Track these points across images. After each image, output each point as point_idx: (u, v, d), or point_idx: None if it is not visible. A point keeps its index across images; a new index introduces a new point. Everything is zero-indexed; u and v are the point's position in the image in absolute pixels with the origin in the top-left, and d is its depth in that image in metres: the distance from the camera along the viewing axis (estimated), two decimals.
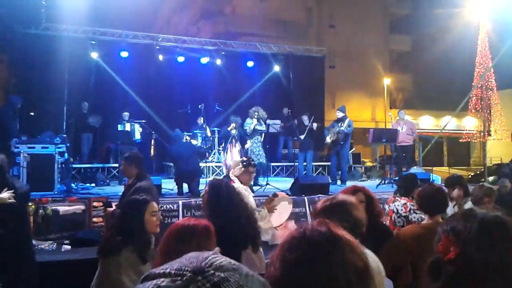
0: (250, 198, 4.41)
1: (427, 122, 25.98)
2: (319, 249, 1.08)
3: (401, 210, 4.70)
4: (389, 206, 4.89)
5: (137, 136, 11.03)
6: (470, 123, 23.57)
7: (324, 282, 1.03)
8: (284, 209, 5.05)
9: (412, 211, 4.62)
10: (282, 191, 8.12)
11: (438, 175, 10.99)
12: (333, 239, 1.11)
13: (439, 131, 21.10)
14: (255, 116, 9.37)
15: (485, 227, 1.27)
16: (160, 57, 12.74)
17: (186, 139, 10.14)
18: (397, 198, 4.94)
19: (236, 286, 0.72)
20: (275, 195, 4.64)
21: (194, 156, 8.36)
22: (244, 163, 4.63)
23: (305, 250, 1.08)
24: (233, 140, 9.37)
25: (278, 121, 10.52)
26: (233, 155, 9.11)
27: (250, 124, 9.35)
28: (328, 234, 1.12)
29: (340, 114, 10.00)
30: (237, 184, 4.42)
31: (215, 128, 11.36)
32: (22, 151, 7.16)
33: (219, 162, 10.68)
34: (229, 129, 9.52)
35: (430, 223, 3.15)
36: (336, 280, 1.03)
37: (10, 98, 9.05)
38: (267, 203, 4.50)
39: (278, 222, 4.88)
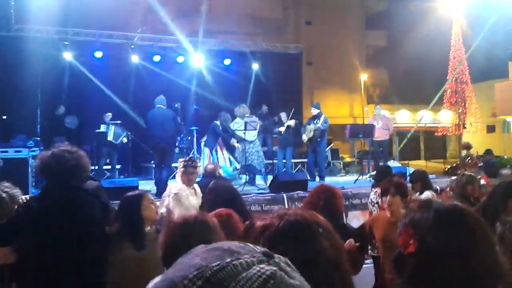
0: (190, 199, 4.45)
1: (404, 117, 26.31)
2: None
3: (374, 198, 4.87)
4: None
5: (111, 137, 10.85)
6: (445, 117, 23.97)
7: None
8: None
9: None
10: (261, 188, 8.19)
11: (414, 169, 11.15)
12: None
13: (415, 125, 21.40)
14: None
15: (440, 217, 1.28)
16: (136, 57, 12.60)
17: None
18: (372, 189, 5.11)
19: None
20: None
21: (170, 123, 8.25)
22: (185, 164, 4.69)
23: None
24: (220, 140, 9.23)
25: (255, 119, 10.49)
26: (224, 156, 9.03)
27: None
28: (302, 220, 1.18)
29: (315, 111, 10.05)
30: (178, 185, 4.49)
31: (193, 128, 11.28)
32: None
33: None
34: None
35: None
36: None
37: None
38: None
39: None
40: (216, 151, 9.05)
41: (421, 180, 5.30)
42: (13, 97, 11.03)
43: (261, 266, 0.68)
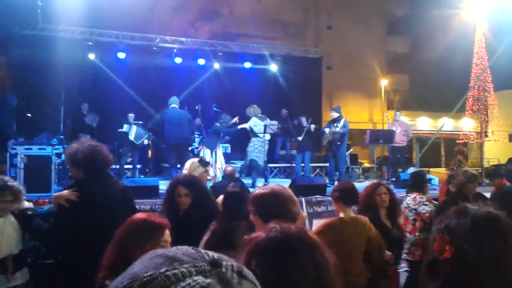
0: None
1: (424, 123, 26.03)
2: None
3: (411, 203, 4.85)
4: (402, 205, 5.00)
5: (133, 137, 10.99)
6: (467, 124, 23.62)
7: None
8: None
9: (421, 203, 4.84)
10: None
11: (435, 176, 11.03)
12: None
13: (436, 132, 21.13)
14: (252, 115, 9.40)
15: (477, 223, 1.28)
16: (157, 58, 12.74)
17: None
18: (408, 195, 5.11)
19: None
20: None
21: (186, 124, 8.42)
22: (202, 163, 4.66)
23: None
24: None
25: (275, 122, 10.50)
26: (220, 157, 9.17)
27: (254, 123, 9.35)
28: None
29: (335, 115, 10.01)
30: None
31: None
32: (19, 153, 7.13)
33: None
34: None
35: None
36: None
37: (5, 98, 8.93)
38: None
39: None
40: (216, 152, 9.17)
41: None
42: (38, 96, 11.23)
43: (197, 278, 0.63)
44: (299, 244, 1.20)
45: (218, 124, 9.40)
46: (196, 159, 4.80)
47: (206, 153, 9.11)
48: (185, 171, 4.60)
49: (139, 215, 2.29)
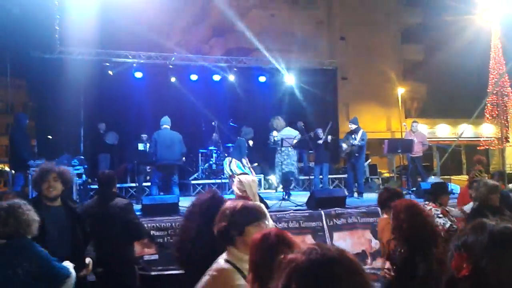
0: None
1: (444, 131, 25.70)
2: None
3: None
4: None
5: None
6: (487, 130, 23.24)
7: None
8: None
9: (435, 215, 4.77)
10: (298, 205, 8.12)
11: (457, 184, 10.84)
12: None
13: (456, 139, 20.84)
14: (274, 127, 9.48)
15: (495, 239, 1.26)
16: (173, 77, 12.90)
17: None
18: (425, 204, 5.07)
19: None
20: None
21: (177, 144, 8.65)
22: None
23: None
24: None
25: (292, 135, 10.49)
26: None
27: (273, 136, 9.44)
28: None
29: (353, 126, 9.93)
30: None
31: (229, 144, 11.41)
32: None
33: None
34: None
35: None
36: None
37: (16, 116, 8.94)
38: None
39: None
40: (242, 162, 9.25)
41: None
42: (57, 117, 11.45)
43: None
44: (341, 268, 1.17)
45: (241, 137, 9.57)
46: (250, 177, 4.70)
47: (233, 165, 9.18)
48: (238, 189, 4.45)
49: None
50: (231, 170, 9.18)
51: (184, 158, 10.10)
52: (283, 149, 9.27)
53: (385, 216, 4.13)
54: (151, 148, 8.86)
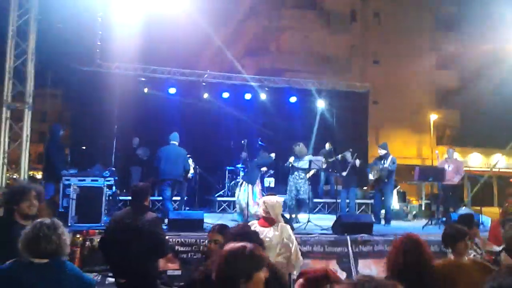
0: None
1: (476, 160, 25.09)
2: None
3: None
4: None
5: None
6: None
7: None
8: None
9: None
10: (323, 229, 8.03)
11: (487, 216, 10.51)
12: None
13: (489, 169, 20.29)
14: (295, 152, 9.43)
15: None
16: (206, 93, 13.09)
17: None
18: None
19: None
20: None
21: (181, 160, 8.79)
22: None
23: None
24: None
25: (320, 157, 10.45)
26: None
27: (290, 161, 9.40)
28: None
29: (382, 152, 9.81)
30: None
31: (239, 165, 11.48)
32: (72, 184, 7.45)
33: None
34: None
35: None
36: None
37: (52, 127, 9.10)
38: None
39: None
40: (254, 187, 9.22)
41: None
42: (92, 129, 11.75)
43: None
44: None
45: (256, 160, 9.65)
46: (275, 198, 4.72)
47: (247, 187, 9.16)
48: (262, 210, 4.57)
49: None
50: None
51: (189, 175, 10.22)
52: (297, 173, 9.23)
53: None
54: (155, 163, 8.99)
